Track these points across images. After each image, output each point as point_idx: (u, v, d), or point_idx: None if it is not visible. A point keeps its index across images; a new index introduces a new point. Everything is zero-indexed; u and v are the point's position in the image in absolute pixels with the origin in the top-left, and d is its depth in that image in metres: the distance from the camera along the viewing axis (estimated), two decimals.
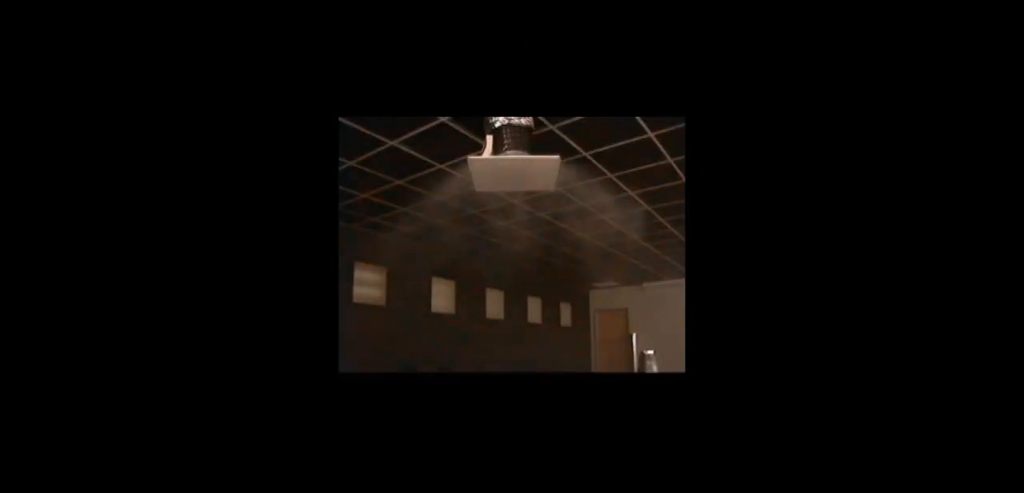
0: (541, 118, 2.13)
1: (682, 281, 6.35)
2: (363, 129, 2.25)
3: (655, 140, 2.37)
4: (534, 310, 6.63)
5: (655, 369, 6.60)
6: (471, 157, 1.57)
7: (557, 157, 1.55)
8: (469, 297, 5.48)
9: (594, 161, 2.61)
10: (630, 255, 5.16)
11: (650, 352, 6.77)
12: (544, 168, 1.60)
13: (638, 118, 2.16)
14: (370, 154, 2.55)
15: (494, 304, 5.93)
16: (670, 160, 2.60)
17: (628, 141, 2.38)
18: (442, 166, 2.69)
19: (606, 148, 2.46)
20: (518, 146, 1.56)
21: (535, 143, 1.69)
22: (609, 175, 2.82)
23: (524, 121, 1.58)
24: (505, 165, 1.57)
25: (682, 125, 2.17)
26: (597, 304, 7.89)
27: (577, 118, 2.14)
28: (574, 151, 2.46)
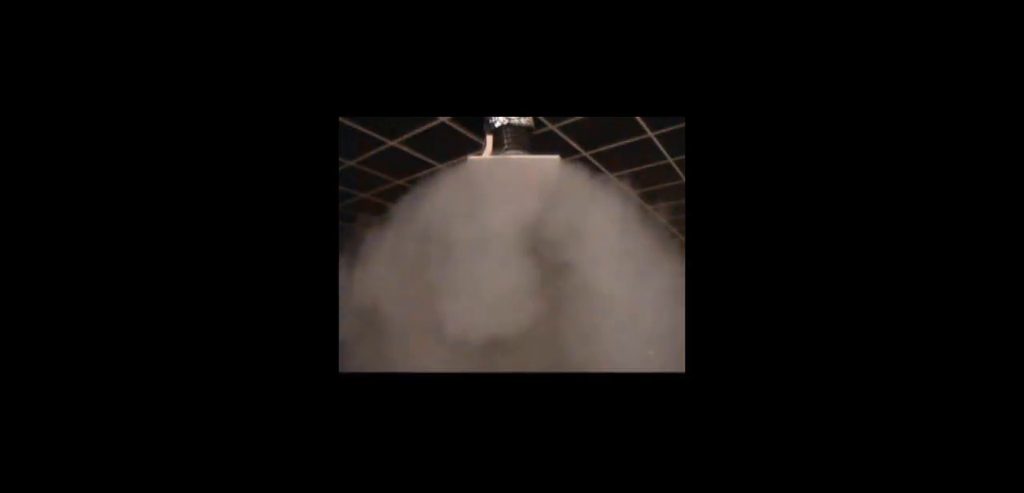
0: (541, 118, 2.13)
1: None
2: (363, 129, 2.25)
3: (655, 140, 2.37)
4: None
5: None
6: (471, 157, 1.57)
7: (557, 157, 1.55)
8: None
9: (594, 161, 2.61)
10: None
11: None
12: (544, 168, 1.60)
13: (638, 118, 2.16)
14: (370, 154, 2.55)
15: None
16: (670, 160, 2.60)
17: (628, 141, 2.38)
18: (442, 166, 2.69)
19: (606, 148, 2.46)
20: (518, 146, 1.56)
21: (535, 143, 1.69)
22: (609, 175, 2.82)
23: (524, 121, 1.58)
24: (505, 165, 1.57)
25: (682, 125, 2.18)
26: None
27: (577, 118, 2.14)
28: (574, 151, 2.46)
